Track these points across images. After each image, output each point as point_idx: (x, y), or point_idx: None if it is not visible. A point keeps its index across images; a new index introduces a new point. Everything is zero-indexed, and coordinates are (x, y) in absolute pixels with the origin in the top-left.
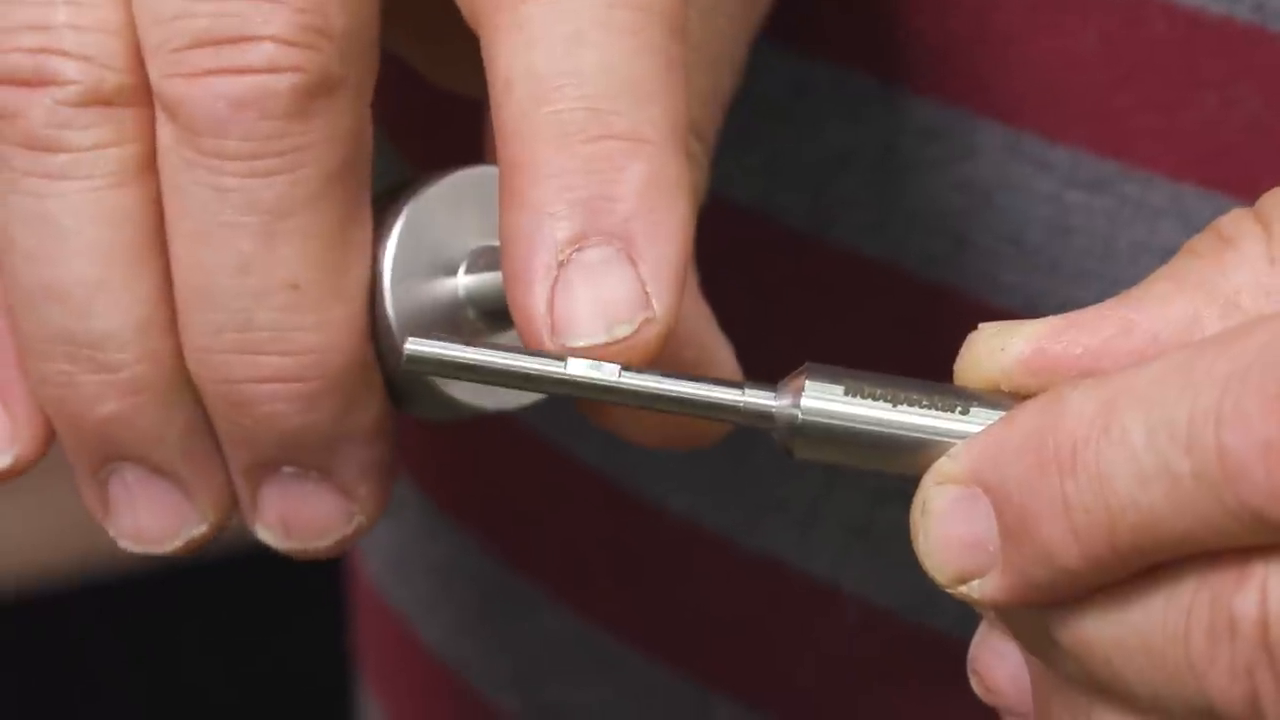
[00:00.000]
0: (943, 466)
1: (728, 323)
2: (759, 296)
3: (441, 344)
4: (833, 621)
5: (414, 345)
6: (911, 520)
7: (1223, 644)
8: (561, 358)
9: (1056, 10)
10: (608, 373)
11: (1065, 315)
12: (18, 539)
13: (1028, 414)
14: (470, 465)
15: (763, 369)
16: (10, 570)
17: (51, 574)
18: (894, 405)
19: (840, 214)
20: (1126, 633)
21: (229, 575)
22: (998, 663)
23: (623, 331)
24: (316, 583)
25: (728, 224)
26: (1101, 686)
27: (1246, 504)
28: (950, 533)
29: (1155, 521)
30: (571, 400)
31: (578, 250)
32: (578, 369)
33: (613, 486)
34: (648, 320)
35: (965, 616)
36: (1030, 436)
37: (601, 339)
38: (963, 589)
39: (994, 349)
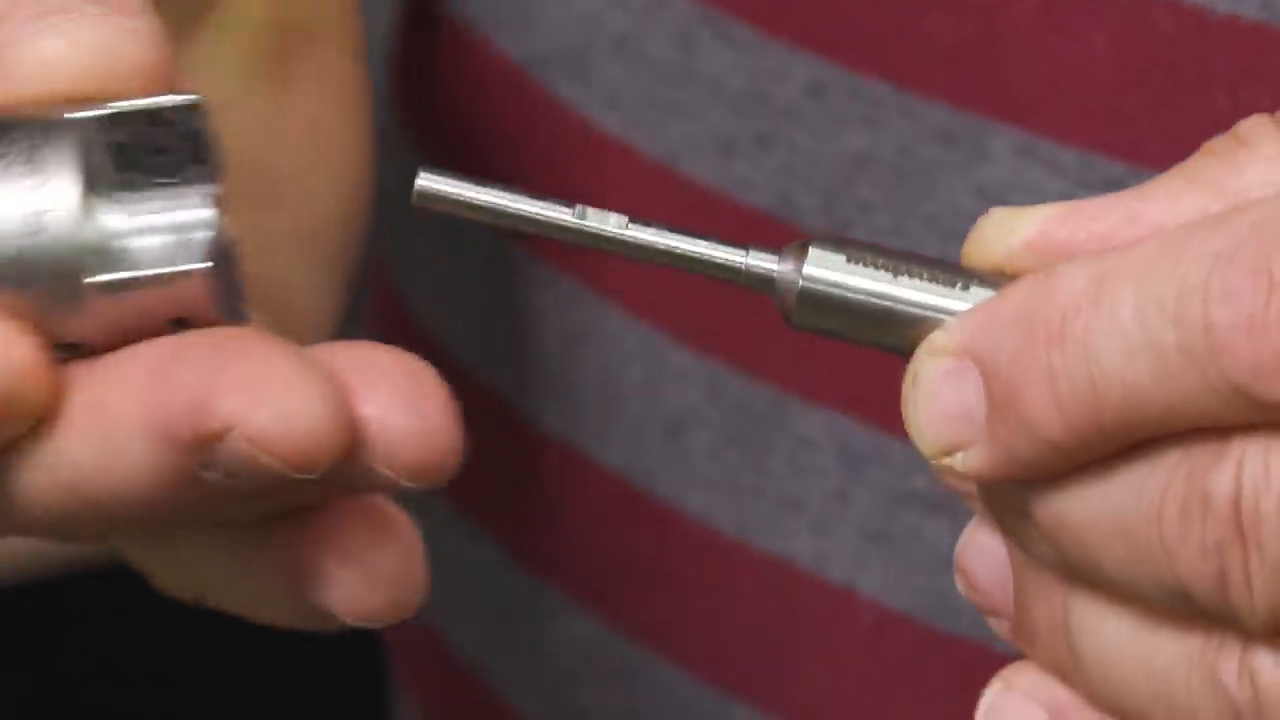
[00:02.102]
0: (935, 339)
1: (746, 327)
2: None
3: (452, 182)
4: (850, 624)
5: (424, 181)
6: (903, 392)
7: (1195, 521)
8: (571, 205)
9: (1065, 12)
10: (614, 224)
11: (1072, 202)
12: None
13: (1020, 288)
14: (493, 470)
15: (789, 370)
16: (9, 557)
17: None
18: (895, 278)
19: (857, 217)
20: (1103, 510)
21: None
22: (983, 561)
23: None
24: None
25: (745, 227)
26: (1076, 570)
27: (1229, 378)
28: (938, 404)
29: (1139, 395)
30: (592, 404)
31: None
32: (585, 218)
33: (632, 489)
34: None
35: (981, 620)
36: (1021, 308)
37: None
38: (947, 460)
39: (1001, 232)
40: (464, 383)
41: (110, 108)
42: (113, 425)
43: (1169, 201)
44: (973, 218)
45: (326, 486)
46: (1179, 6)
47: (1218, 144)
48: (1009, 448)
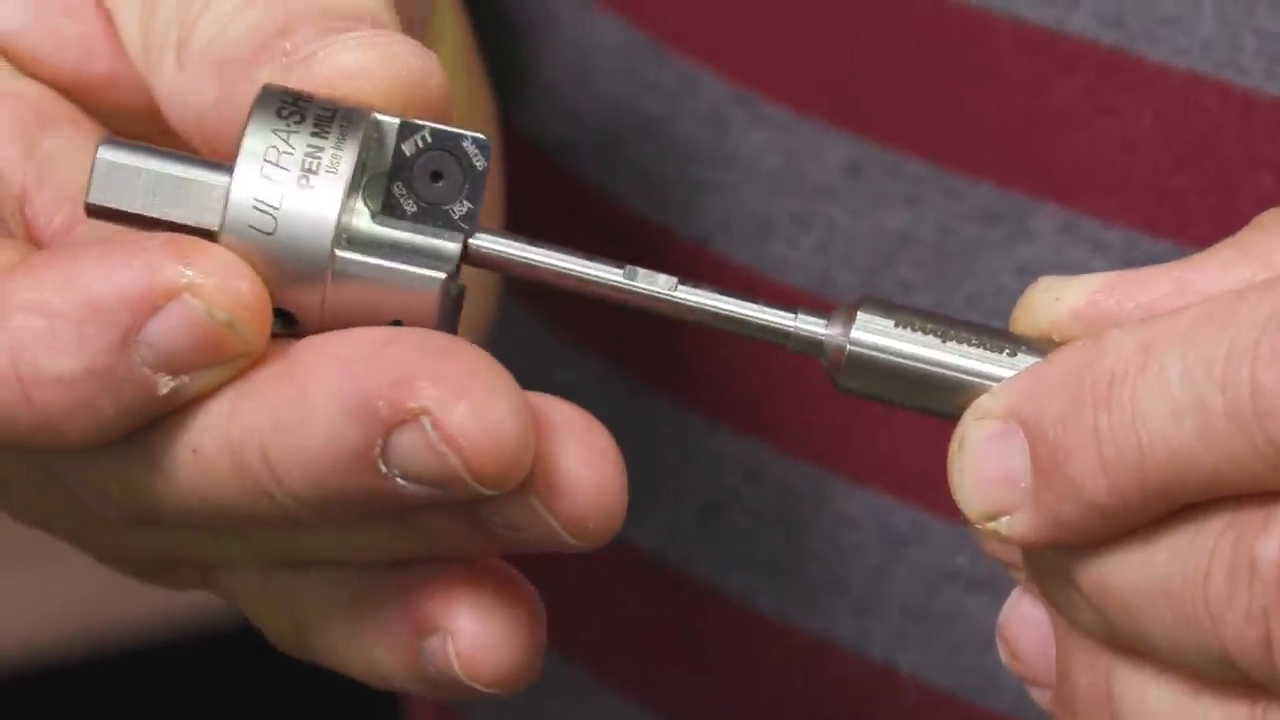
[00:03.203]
0: (983, 403)
1: (786, 408)
2: (818, 379)
3: (504, 241)
4: (891, 704)
5: (479, 240)
6: (949, 455)
7: (1241, 586)
8: (621, 265)
9: (1112, 92)
10: (663, 285)
11: (1121, 272)
12: (18, 614)
13: (1068, 353)
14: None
15: (830, 450)
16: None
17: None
18: (943, 343)
19: (897, 295)
20: (1147, 576)
21: (235, 649)
22: (1026, 630)
23: None
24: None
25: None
26: (1120, 636)
27: (1276, 442)
28: (984, 467)
29: (1185, 459)
30: (630, 485)
31: None
32: (635, 279)
33: (669, 570)
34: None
35: (1024, 698)
36: (1068, 373)
37: None
38: (991, 525)
39: (1049, 300)
40: None
41: (409, 120)
42: (307, 391)
43: (1219, 272)
44: (1014, 296)
45: (478, 527)
46: (1228, 88)
47: (1268, 217)
48: (1054, 512)
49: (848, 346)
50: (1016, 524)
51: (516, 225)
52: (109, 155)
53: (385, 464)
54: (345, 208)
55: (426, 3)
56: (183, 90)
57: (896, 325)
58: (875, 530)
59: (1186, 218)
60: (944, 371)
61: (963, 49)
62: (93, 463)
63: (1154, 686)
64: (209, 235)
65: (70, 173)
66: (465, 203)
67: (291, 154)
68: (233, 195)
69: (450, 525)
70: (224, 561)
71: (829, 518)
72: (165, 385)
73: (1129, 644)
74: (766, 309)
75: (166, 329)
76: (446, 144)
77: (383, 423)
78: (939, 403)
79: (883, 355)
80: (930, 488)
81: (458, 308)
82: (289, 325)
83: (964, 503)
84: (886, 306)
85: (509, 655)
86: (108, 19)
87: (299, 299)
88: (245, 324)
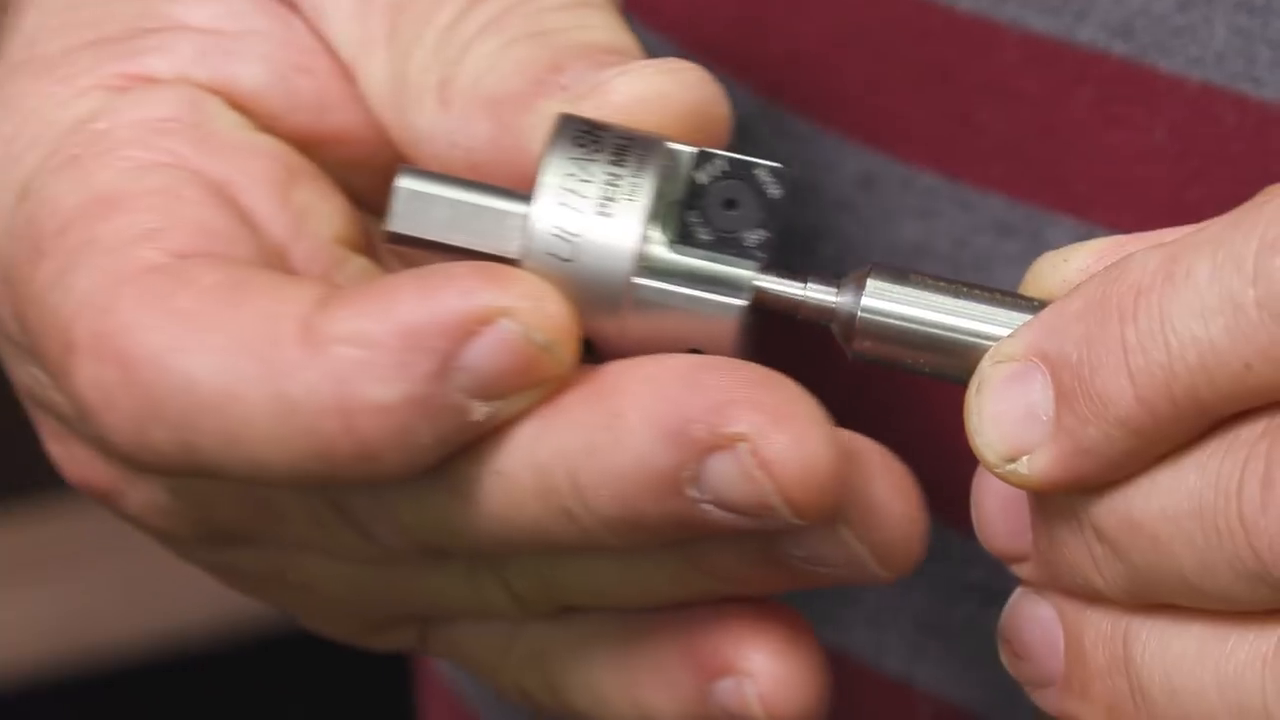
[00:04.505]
0: (1002, 346)
1: None
2: (840, 387)
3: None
4: (906, 717)
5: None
6: (966, 400)
7: (1276, 488)
8: None
9: (1126, 104)
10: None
11: (1132, 234)
12: (12, 632)
13: (1091, 281)
14: None
15: None
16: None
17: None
18: (954, 306)
19: None
20: (1178, 498)
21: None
22: (1028, 626)
23: None
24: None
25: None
26: (1144, 583)
27: None
28: (1004, 406)
29: (1215, 357)
30: None
31: None
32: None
33: None
34: None
35: (1041, 715)
36: (1093, 297)
37: None
38: (1011, 466)
39: (1056, 262)
40: None
41: (705, 149)
42: (620, 413)
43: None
44: None
45: (774, 562)
46: (1243, 100)
47: (1267, 194)
48: (1078, 439)
49: (859, 313)
50: (1039, 460)
51: None
52: (408, 184)
53: (696, 489)
54: (643, 234)
55: None
56: (450, 129)
57: (907, 291)
58: None
59: None
60: (956, 335)
61: (974, 62)
62: (393, 490)
63: (1177, 638)
64: (509, 263)
65: (320, 224)
66: (760, 230)
67: (590, 182)
68: (534, 223)
69: (740, 561)
70: (478, 612)
71: None
72: (481, 411)
73: (1152, 593)
74: (776, 278)
75: (484, 354)
76: (741, 172)
77: (698, 447)
78: (952, 366)
79: (894, 320)
80: (947, 502)
81: (752, 336)
82: (587, 352)
83: (982, 446)
84: (897, 272)
85: (809, 694)
86: (342, 74)
87: (598, 326)
88: (561, 346)
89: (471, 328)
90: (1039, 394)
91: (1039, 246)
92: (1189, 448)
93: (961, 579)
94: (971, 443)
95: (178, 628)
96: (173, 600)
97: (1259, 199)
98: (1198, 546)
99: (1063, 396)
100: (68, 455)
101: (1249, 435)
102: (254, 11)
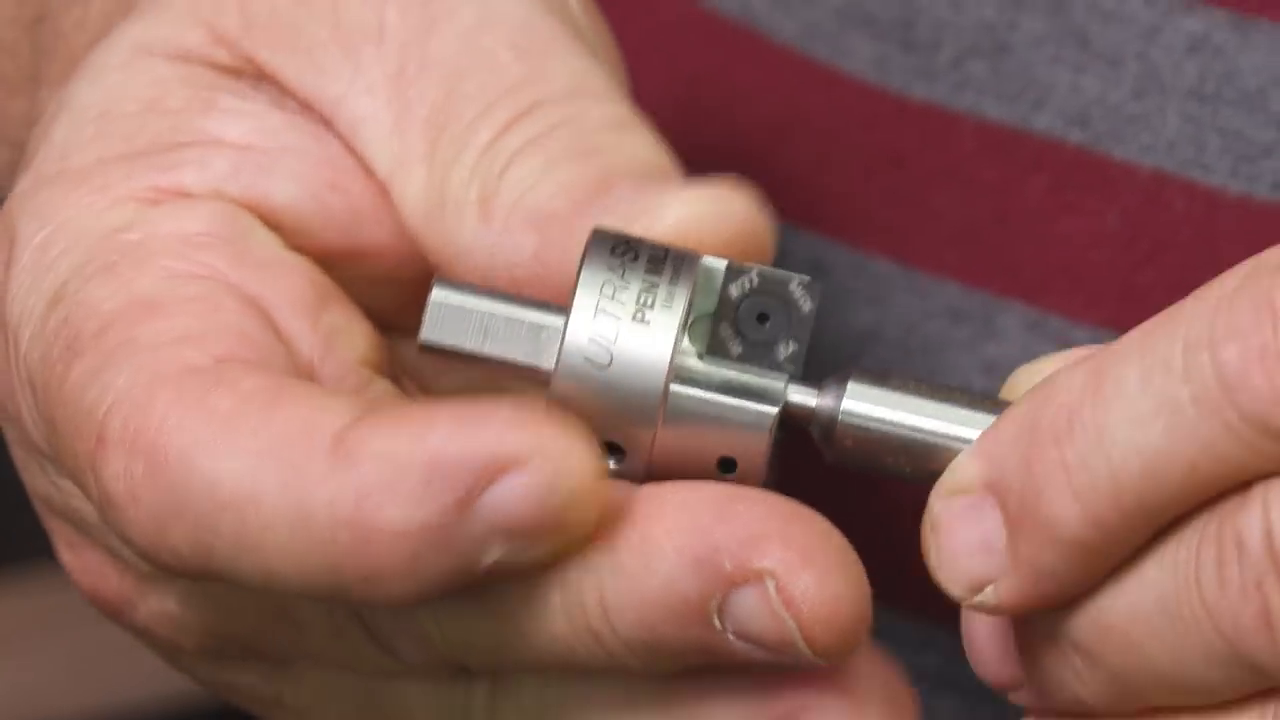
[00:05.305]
0: (944, 480)
1: None
2: (787, 477)
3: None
4: None
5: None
6: (923, 539)
7: (1231, 567)
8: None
9: (1078, 191)
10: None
11: (1105, 345)
12: (8, 692)
13: (1019, 406)
14: None
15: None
16: None
17: None
18: (932, 409)
19: None
20: (1143, 596)
21: None
22: (983, 634)
23: None
24: None
25: None
26: (1127, 688)
27: (1248, 414)
28: (958, 541)
29: (1158, 461)
30: None
31: None
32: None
33: None
34: None
35: None
36: (1024, 421)
37: None
38: (978, 599)
39: (1034, 373)
40: None
41: (735, 263)
42: (650, 538)
43: None
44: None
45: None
46: (1192, 186)
47: (1267, 256)
48: (1035, 565)
49: (840, 416)
50: (1002, 589)
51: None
52: (442, 295)
53: (720, 619)
54: (675, 349)
55: None
56: (491, 244)
57: (886, 395)
58: None
59: (1152, 314)
60: (934, 438)
61: (928, 149)
62: (417, 609)
63: None
64: (543, 374)
65: (347, 346)
66: (791, 343)
67: (627, 289)
68: (570, 332)
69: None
70: None
71: None
72: (495, 553)
73: (1135, 697)
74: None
75: (508, 499)
76: (773, 286)
77: (725, 579)
78: (934, 468)
79: (876, 424)
80: (895, 588)
81: (781, 450)
82: (618, 457)
83: (945, 581)
84: (876, 375)
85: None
86: (375, 189)
87: (630, 432)
88: (585, 505)
89: (499, 469)
90: (990, 524)
91: (990, 333)
92: (1145, 549)
93: (914, 665)
94: (935, 578)
95: (126, 705)
96: (120, 677)
97: (1184, 303)
98: (1168, 640)
99: (1012, 525)
100: (80, 564)
101: (1199, 522)
102: (287, 128)
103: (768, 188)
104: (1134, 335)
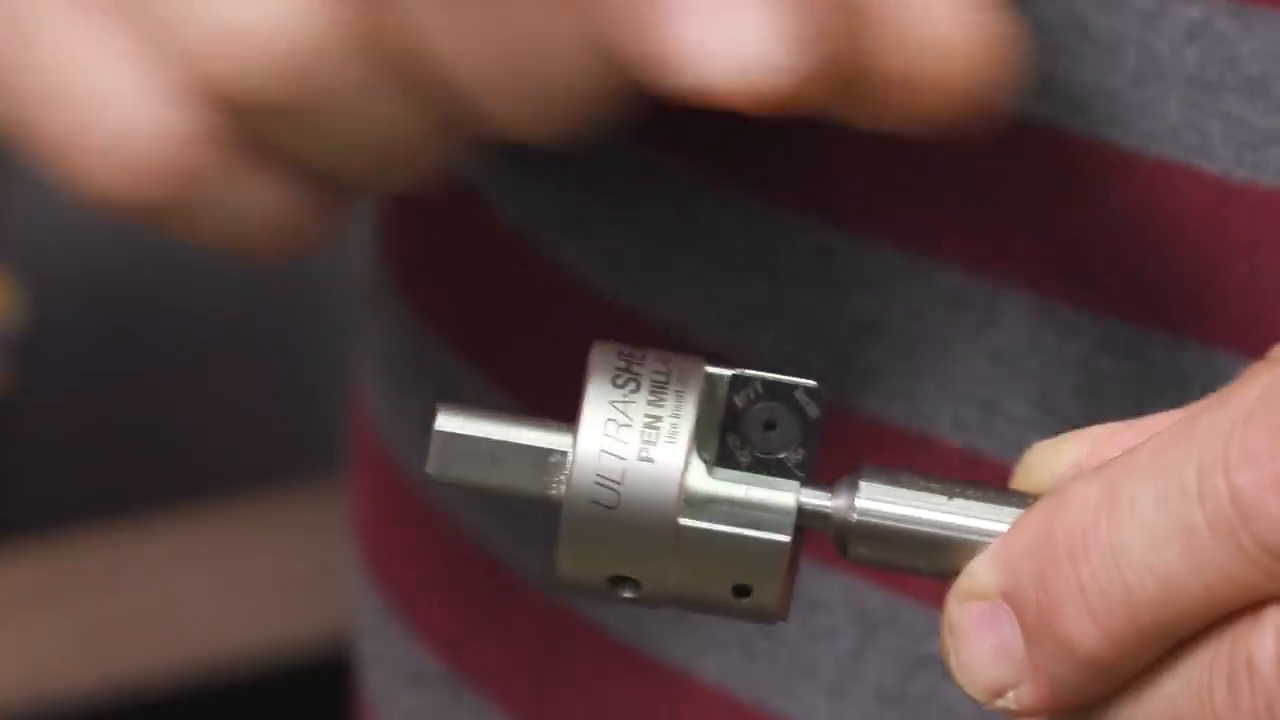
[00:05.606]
0: (961, 584)
1: None
2: None
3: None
4: None
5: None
6: (941, 642)
7: (1243, 688)
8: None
9: (1080, 178)
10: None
11: (1126, 421)
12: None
13: (1033, 514)
14: (499, 637)
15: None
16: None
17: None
18: (948, 503)
19: (869, 382)
20: (1157, 709)
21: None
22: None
23: None
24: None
25: None
26: None
27: (1264, 540)
28: (977, 647)
29: (1174, 584)
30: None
31: None
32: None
33: (638, 654)
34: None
35: None
36: (1039, 534)
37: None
38: (1001, 702)
39: (1048, 456)
40: (463, 545)
41: (740, 373)
42: None
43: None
44: (987, 381)
45: None
46: (1196, 174)
47: (1260, 365)
48: (1053, 676)
49: (855, 516)
50: (1023, 695)
51: (486, 305)
52: (446, 425)
53: None
54: (682, 472)
55: None
56: None
57: (901, 492)
58: (848, 615)
59: (1158, 304)
60: (952, 535)
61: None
62: None
63: None
64: (554, 503)
65: None
66: (800, 450)
67: (630, 425)
68: (575, 473)
69: None
70: None
71: (801, 601)
72: None
73: None
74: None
75: None
76: (779, 394)
77: None
78: (950, 564)
79: (890, 523)
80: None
81: (797, 559)
82: (633, 588)
83: (966, 685)
84: (888, 474)
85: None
86: None
87: (643, 566)
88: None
89: None
90: (1008, 632)
91: (992, 319)
92: (1161, 660)
93: (920, 650)
94: (955, 682)
95: (134, 676)
96: (128, 649)
97: (1195, 408)
98: None
99: (1030, 637)
100: None
101: (1214, 640)
102: None
103: (768, 175)
104: (1148, 452)
